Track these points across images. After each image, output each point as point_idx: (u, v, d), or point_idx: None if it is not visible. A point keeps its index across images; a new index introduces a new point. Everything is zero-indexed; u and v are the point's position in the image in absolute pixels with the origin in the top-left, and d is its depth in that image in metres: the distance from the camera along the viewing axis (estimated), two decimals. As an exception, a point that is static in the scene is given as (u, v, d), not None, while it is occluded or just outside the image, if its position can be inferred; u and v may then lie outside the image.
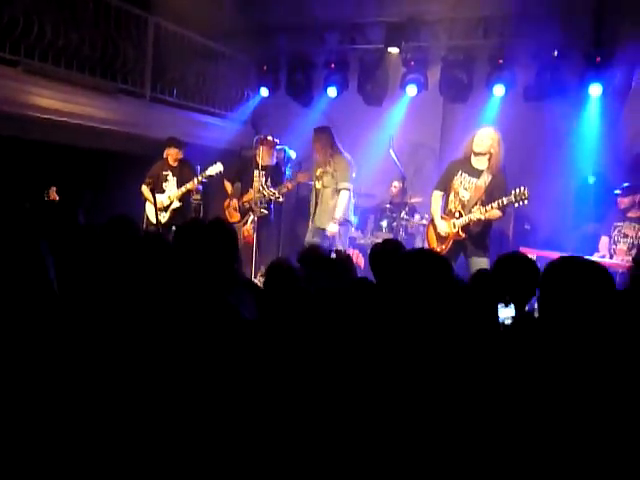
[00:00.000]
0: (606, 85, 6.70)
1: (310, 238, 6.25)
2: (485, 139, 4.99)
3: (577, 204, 6.83)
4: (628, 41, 6.07)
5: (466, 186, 5.07)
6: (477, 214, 4.90)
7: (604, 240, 5.78)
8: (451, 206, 5.15)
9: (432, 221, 5.35)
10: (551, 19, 6.88)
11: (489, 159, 5.00)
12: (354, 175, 6.18)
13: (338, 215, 6.06)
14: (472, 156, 5.07)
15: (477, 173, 5.04)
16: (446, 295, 1.87)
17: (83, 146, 6.80)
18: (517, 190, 4.74)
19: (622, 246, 5.63)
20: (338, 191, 6.09)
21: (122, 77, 7.01)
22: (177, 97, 7.86)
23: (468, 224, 4.99)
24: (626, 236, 5.63)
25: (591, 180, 6.83)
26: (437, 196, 5.32)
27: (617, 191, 5.69)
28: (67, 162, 6.58)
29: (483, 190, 4.98)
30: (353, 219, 6.55)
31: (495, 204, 4.82)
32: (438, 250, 5.19)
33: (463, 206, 5.06)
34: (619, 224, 5.69)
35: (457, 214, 5.07)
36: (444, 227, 5.14)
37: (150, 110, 7.40)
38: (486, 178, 4.99)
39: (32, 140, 6.19)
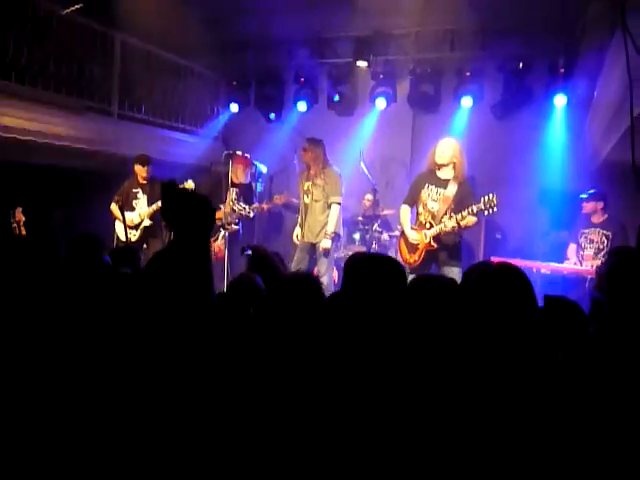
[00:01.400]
0: (570, 95, 6.84)
1: (300, 255, 6.10)
2: (446, 150, 5.03)
3: (545, 212, 6.92)
4: (590, 52, 6.19)
5: (434, 197, 5.11)
6: (451, 223, 4.91)
7: (572, 247, 5.87)
8: (421, 218, 5.17)
9: (403, 233, 5.36)
10: (516, 31, 7.01)
11: (453, 168, 5.04)
12: (343, 190, 6.07)
13: (330, 230, 5.93)
14: (436, 168, 5.10)
15: (444, 183, 5.08)
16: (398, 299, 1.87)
17: (50, 165, 6.69)
18: (486, 197, 4.77)
19: (589, 251, 5.73)
20: (329, 205, 5.97)
21: (89, 94, 6.93)
22: (145, 114, 7.80)
23: (439, 234, 5.01)
24: (592, 241, 5.73)
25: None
26: (405, 210, 5.34)
27: (583, 195, 5.80)
28: (34, 181, 6.47)
29: (451, 199, 5.02)
30: (342, 233, 6.47)
31: (465, 212, 4.84)
32: (411, 261, 5.20)
33: (433, 217, 5.08)
34: (585, 230, 5.79)
35: (428, 225, 5.08)
36: (415, 236, 5.16)
37: (118, 127, 7.33)
38: (453, 188, 5.03)
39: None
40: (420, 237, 5.12)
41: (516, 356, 1.83)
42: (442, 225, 4.97)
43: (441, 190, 5.07)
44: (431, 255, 5.14)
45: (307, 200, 6.09)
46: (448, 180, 5.06)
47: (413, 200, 5.27)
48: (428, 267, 5.15)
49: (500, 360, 1.82)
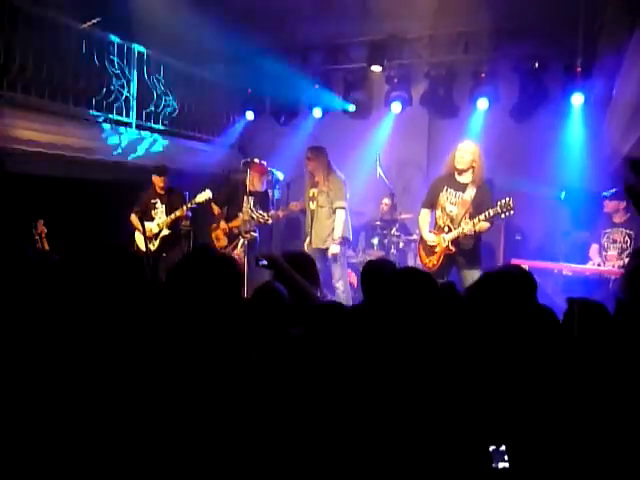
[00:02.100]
0: (588, 94, 6.79)
1: None
2: (466, 155, 5.02)
3: (566, 212, 6.85)
4: (607, 51, 6.14)
5: (452, 201, 5.10)
6: (467, 227, 4.90)
7: (594, 247, 5.81)
8: (440, 222, 5.16)
9: (422, 236, 5.36)
10: (530, 31, 6.98)
11: (472, 172, 5.03)
12: (348, 195, 6.14)
13: (337, 235, 6.01)
14: (455, 172, 5.09)
15: (462, 187, 5.07)
16: (435, 314, 1.87)
17: (71, 177, 6.78)
18: (502, 201, 4.76)
19: (612, 252, 5.66)
20: (334, 210, 6.04)
21: (107, 106, 7.02)
22: (162, 124, 7.87)
23: (458, 238, 5.00)
24: (615, 241, 5.66)
25: (562, 196, 6.85)
26: (425, 213, 5.34)
27: (605, 193, 5.73)
28: (55, 194, 6.55)
29: (470, 203, 5.01)
30: (351, 238, 6.52)
31: (482, 216, 4.83)
32: (430, 265, 5.19)
33: (452, 221, 5.07)
34: (607, 230, 5.72)
35: (446, 229, 5.07)
36: (433, 240, 5.15)
37: (136, 138, 7.41)
38: (472, 191, 5.02)
39: (18, 173, 6.16)
40: (438, 240, 5.11)
41: (538, 360, 1.82)
42: (460, 229, 4.96)
43: (460, 194, 5.06)
44: (450, 259, 5.13)
45: (313, 206, 6.18)
46: (467, 184, 5.05)
47: (432, 203, 5.27)
48: (447, 271, 5.13)
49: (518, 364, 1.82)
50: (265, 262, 2.90)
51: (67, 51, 6.40)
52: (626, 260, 5.47)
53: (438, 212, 5.18)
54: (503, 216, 4.79)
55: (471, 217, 4.95)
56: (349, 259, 7.41)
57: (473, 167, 5.01)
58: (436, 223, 5.22)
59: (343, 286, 6.07)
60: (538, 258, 5.99)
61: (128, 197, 6.70)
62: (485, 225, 4.90)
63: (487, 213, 4.80)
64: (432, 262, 5.17)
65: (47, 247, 5.85)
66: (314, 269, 3.22)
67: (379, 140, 8.02)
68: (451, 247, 5.03)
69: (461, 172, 5.06)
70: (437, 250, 5.14)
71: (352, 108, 8.22)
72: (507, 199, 4.75)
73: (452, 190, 5.10)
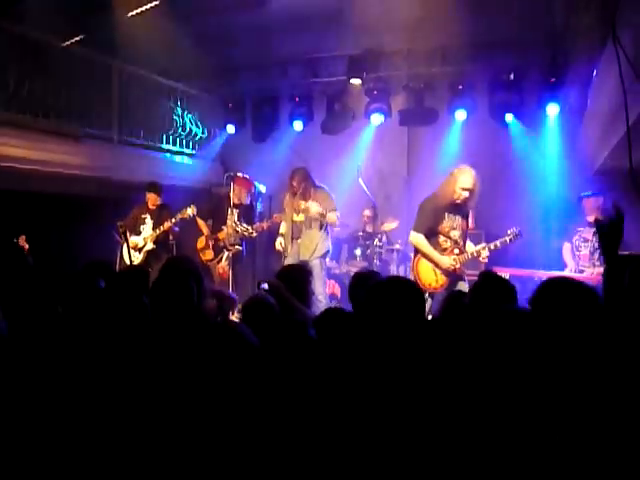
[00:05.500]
0: (563, 104, 6.94)
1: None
2: (471, 178, 4.93)
3: (544, 220, 6.97)
4: (580, 61, 6.29)
5: (454, 225, 5.05)
6: (485, 252, 5.05)
7: (567, 247, 5.90)
8: (445, 245, 5.07)
9: (426, 257, 5.10)
10: (506, 43, 7.13)
11: (471, 195, 4.96)
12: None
13: None
14: (456, 194, 4.96)
15: (461, 210, 5.05)
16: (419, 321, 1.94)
17: (52, 192, 6.75)
18: (512, 230, 4.98)
19: (584, 251, 5.74)
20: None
21: (88, 122, 7.02)
22: (144, 139, 7.88)
23: (468, 259, 5.06)
24: (587, 240, 5.75)
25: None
26: (423, 238, 5.08)
27: (584, 194, 5.83)
28: (37, 209, 6.52)
29: (472, 226, 5.11)
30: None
31: (498, 243, 5.04)
32: (437, 285, 5.08)
33: (456, 243, 5.04)
34: (580, 229, 5.82)
35: (457, 251, 5.03)
36: (447, 262, 5.02)
37: (118, 153, 7.40)
38: (470, 215, 5.17)
39: (1, 189, 6.13)
40: (452, 263, 5.02)
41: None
42: (475, 253, 5.03)
43: (458, 217, 5.04)
44: (455, 276, 5.06)
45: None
46: (466, 207, 5.07)
47: (431, 230, 5.07)
48: (453, 288, 4.97)
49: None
50: (266, 286, 2.98)
51: (49, 68, 6.40)
52: (597, 262, 5.56)
53: (441, 238, 5.07)
54: (510, 242, 5.02)
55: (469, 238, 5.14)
56: (331, 270, 7.46)
57: (474, 190, 4.95)
58: (439, 246, 5.08)
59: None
60: (518, 266, 6.09)
61: (110, 212, 6.69)
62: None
63: (503, 240, 5.02)
64: (439, 282, 5.06)
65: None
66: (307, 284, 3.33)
67: (360, 152, 8.10)
68: (458, 266, 5.08)
69: (464, 191, 4.94)
70: (448, 271, 5.04)
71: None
72: (515, 228, 4.98)
73: (452, 215, 5.04)
